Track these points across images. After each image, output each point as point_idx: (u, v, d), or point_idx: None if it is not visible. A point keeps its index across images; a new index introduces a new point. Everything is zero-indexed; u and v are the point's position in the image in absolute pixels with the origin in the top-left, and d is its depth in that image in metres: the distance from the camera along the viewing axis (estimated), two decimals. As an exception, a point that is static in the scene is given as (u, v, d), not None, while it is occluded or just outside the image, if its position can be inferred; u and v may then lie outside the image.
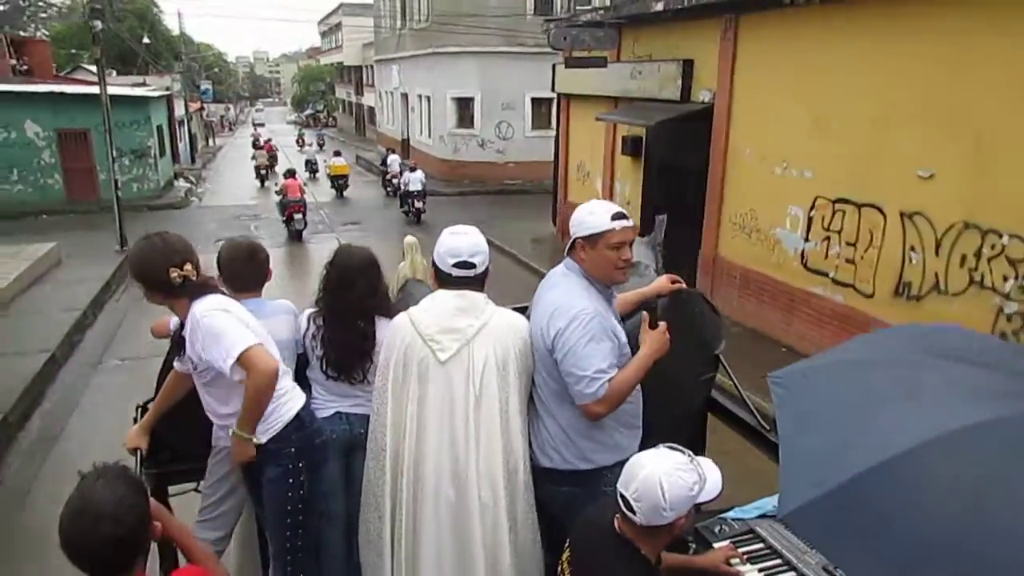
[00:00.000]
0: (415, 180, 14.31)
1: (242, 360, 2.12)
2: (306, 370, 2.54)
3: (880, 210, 5.97)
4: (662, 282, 2.55)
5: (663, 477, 1.57)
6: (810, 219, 6.63)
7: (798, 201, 6.90)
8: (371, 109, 34.92)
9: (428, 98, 20.68)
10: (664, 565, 1.82)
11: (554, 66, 11.75)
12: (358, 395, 2.53)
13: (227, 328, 2.15)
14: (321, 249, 10.94)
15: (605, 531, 1.71)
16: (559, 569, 1.80)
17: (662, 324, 2.16)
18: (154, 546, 1.67)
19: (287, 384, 2.26)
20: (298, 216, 12.51)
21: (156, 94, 19.51)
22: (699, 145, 8.06)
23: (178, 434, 2.60)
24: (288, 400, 2.26)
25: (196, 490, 2.74)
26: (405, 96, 24.18)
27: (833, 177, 6.31)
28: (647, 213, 9.58)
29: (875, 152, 5.88)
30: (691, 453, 1.61)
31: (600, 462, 2.09)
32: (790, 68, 6.73)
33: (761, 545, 2.09)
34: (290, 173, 13.40)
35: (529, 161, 19.12)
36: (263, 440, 2.22)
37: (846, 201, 6.37)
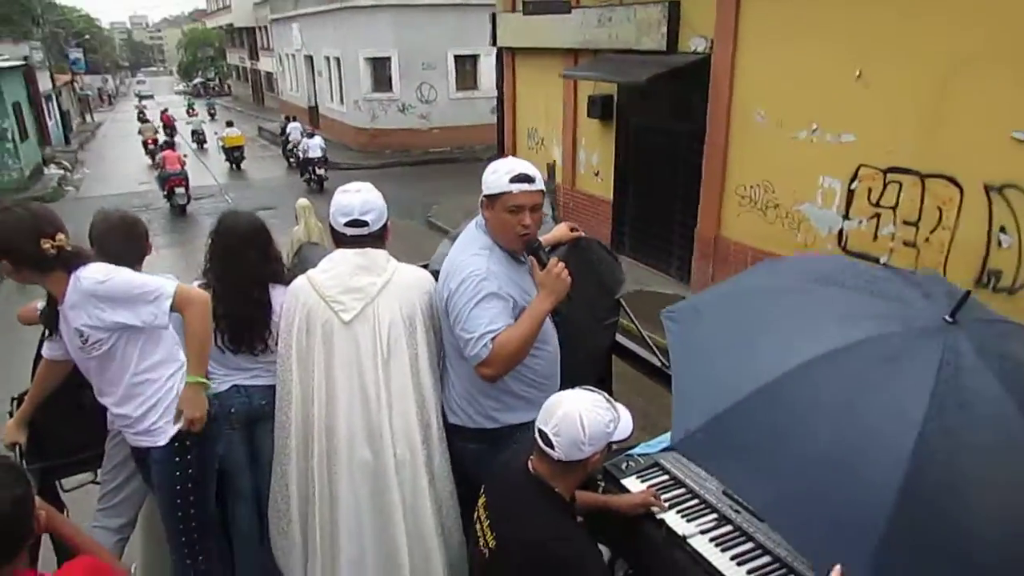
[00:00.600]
0: (314, 146, 14.02)
1: (178, 300, 2.01)
2: None
3: (954, 182, 5.00)
4: (561, 230, 2.44)
5: (583, 412, 1.59)
6: (851, 192, 5.65)
7: (833, 171, 5.81)
8: (269, 75, 32.92)
9: (337, 60, 19.22)
10: (579, 503, 1.85)
11: (494, 15, 10.42)
12: (255, 366, 2.42)
13: (142, 280, 2.03)
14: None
15: (519, 473, 1.72)
16: (475, 516, 1.80)
17: (552, 261, 2.05)
18: (48, 539, 1.66)
19: (177, 358, 2.09)
20: (180, 190, 12.15)
21: (8, 64, 16.86)
22: (691, 105, 6.94)
23: (65, 423, 2.42)
24: (176, 377, 2.13)
25: (94, 481, 2.54)
26: (310, 59, 22.42)
27: (884, 141, 5.23)
28: (620, 185, 8.69)
29: (946, 109, 4.81)
30: (606, 395, 1.64)
31: (506, 421, 1.98)
32: (821, 3, 5.50)
33: (666, 477, 2.14)
34: (167, 145, 12.55)
35: (456, 126, 18.08)
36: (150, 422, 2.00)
37: (904, 171, 5.33)
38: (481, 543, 1.82)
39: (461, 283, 2.01)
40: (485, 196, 2.06)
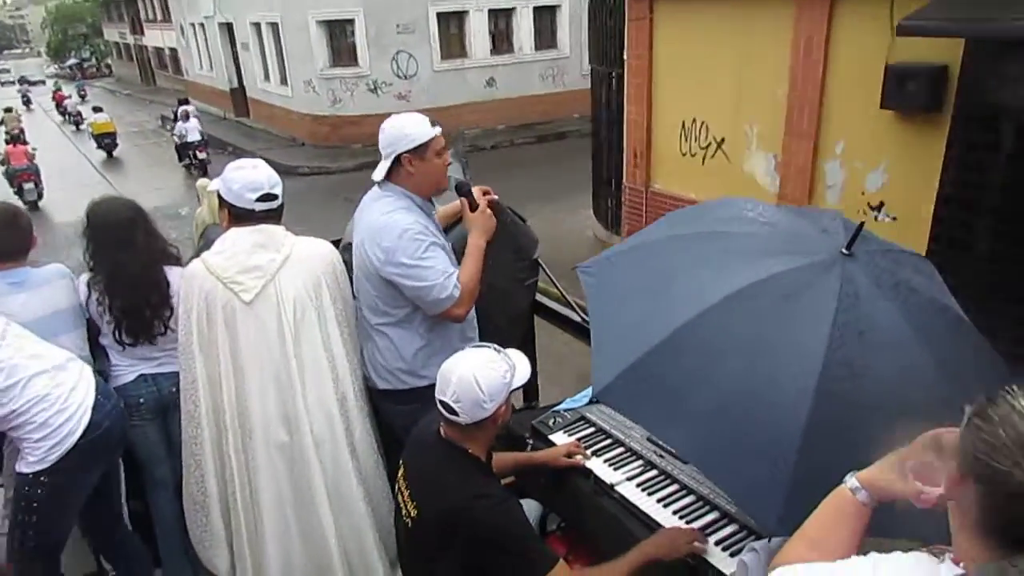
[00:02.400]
0: (191, 129, 14.04)
1: None
2: (99, 337, 2.58)
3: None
4: (475, 192, 2.50)
5: (476, 371, 1.77)
6: None
7: None
8: (160, 52, 31.66)
9: (274, 27, 16.57)
10: (500, 465, 2.12)
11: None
12: (160, 354, 2.59)
13: None
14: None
15: (432, 440, 1.90)
16: (396, 488, 2.00)
17: (481, 204, 2.40)
18: None
19: (73, 365, 2.31)
20: (28, 186, 12.39)
21: None
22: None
23: None
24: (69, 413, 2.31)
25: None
26: (228, 27, 19.78)
27: None
28: (954, 235, 4.86)
29: None
30: (496, 346, 1.86)
31: (434, 376, 2.01)
32: None
33: (592, 429, 2.38)
34: (13, 139, 13.57)
35: (445, 107, 15.27)
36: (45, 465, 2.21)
37: None
38: (403, 513, 1.97)
39: (400, 238, 2.22)
40: (409, 151, 2.28)
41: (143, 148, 18.49)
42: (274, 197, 2.29)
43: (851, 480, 1.22)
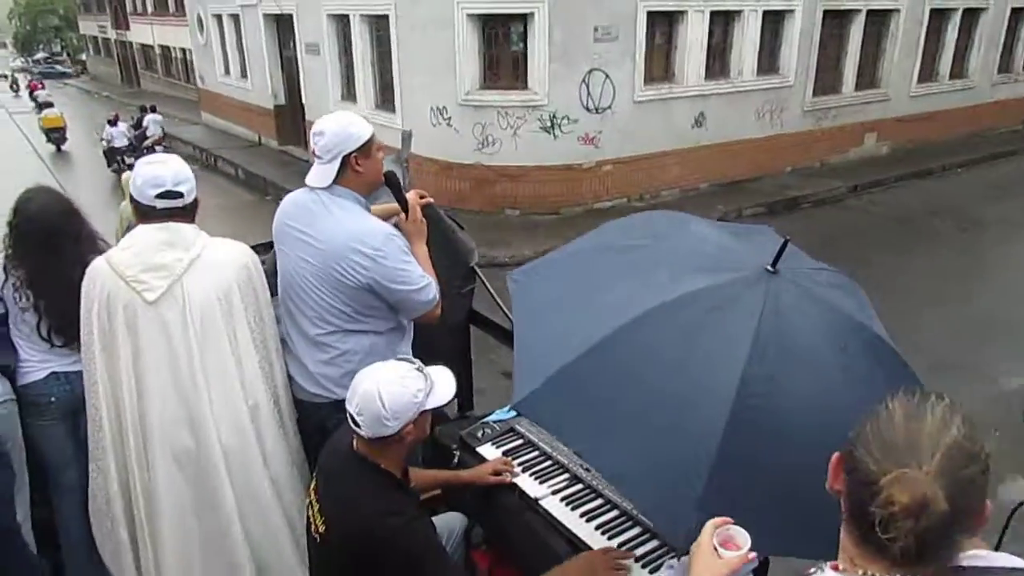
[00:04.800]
0: (118, 135, 15.45)
1: None
2: (6, 324, 2.78)
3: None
4: (411, 197, 2.77)
5: (381, 387, 1.90)
6: None
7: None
8: (148, 50, 28.74)
9: (379, 21, 12.35)
10: (423, 482, 2.35)
11: None
12: (76, 352, 2.63)
13: None
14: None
15: (345, 453, 2.04)
16: (307, 501, 2.14)
17: (414, 211, 2.63)
18: None
19: None
20: None
21: None
22: None
23: None
24: None
25: None
26: (282, 21, 15.63)
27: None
28: None
29: None
30: (418, 363, 2.03)
31: None
32: None
33: (521, 441, 2.61)
34: None
35: (640, 156, 11.49)
36: None
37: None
38: (312, 528, 2.08)
39: (386, 243, 2.41)
40: (357, 151, 2.43)
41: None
42: (178, 195, 2.37)
43: None
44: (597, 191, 11.73)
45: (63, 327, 2.62)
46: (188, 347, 2.30)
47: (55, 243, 2.63)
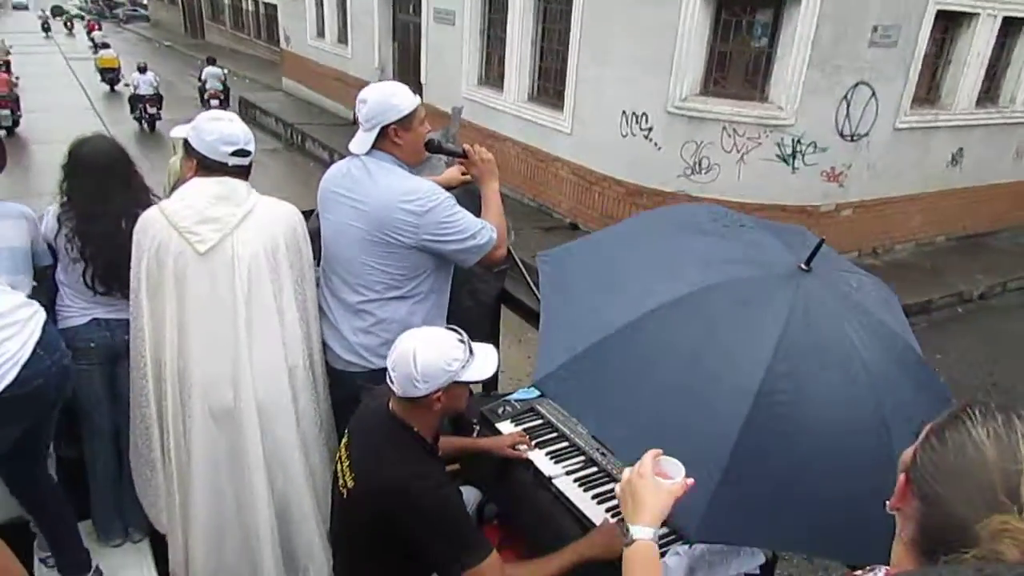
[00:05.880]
0: (144, 83, 15.94)
1: None
2: (54, 273, 2.97)
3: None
4: (452, 172, 2.99)
5: (418, 347, 1.99)
6: None
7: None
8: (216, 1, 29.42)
9: None
10: (444, 448, 2.36)
11: None
12: (118, 299, 2.85)
13: None
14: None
15: (379, 412, 2.15)
16: (338, 456, 2.25)
17: (481, 151, 2.73)
18: None
19: (19, 313, 2.40)
20: (4, 112, 14.99)
21: None
22: None
23: None
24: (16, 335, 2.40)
25: None
26: None
27: None
28: None
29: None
30: (463, 334, 2.11)
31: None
32: None
33: (540, 421, 2.72)
34: None
35: (887, 200, 9.47)
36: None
37: None
38: (340, 483, 2.17)
39: (434, 199, 2.50)
40: (396, 123, 2.53)
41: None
42: (248, 153, 2.54)
43: (641, 532, 1.42)
44: (831, 244, 8.73)
45: (107, 276, 2.75)
46: (234, 303, 2.39)
47: (106, 189, 2.76)
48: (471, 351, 2.05)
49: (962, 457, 0.97)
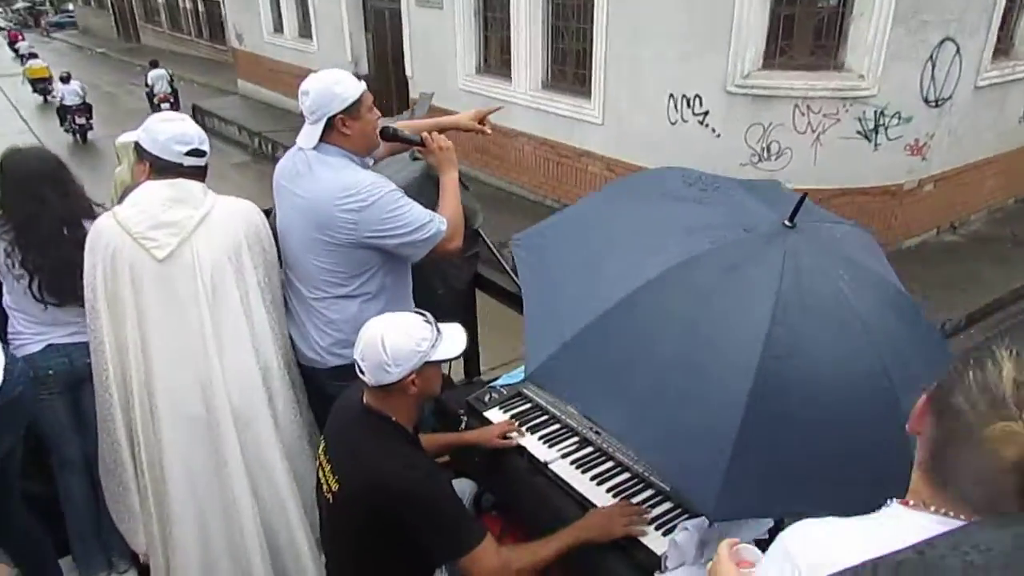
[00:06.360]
0: (70, 92, 15.66)
1: None
2: (1, 300, 3.07)
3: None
4: (467, 116, 3.20)
5: (386, 332, 2.02)
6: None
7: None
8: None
9: None
10: (431, 446, 2.46)
11: None
12: (75, 320, 2.82)
13: None
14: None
15: (354, 409, 2.19)
16: (318, 463, 2.30)
17: (439, 139, 2.72)
18: None
19: None
20: None
21: None
22: None
23: None
24: None
25: None
26: None
27: None
28: None
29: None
30: (427, 315, 2.17)
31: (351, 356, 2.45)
32: None
33: (529, 405, 2.75)
34: None
35: (963, 167, 8.33)
36: None
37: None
38: (325, 488, 2.18)
39: (371, 193, 2.45)
40: (343, 112, 2.52)
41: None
42: (203, 153, 2.58)
43: None
44: (908, 223, 8.77)
45: (55, 284, 2.75)
46: (199, 308, 2.40)
47: (41, 193, 2.73)
48: (438, 330, 2.10)
49: (980, 370, 1.04)
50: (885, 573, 0.78)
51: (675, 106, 8.43)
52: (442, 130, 2.81)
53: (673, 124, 8.50)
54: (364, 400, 2.11)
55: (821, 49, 7.96)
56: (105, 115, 17.75)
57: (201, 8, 25.73)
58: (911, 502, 1.13)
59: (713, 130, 8.21)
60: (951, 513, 1.06)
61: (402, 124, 2.96)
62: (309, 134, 2.51)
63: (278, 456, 2.50)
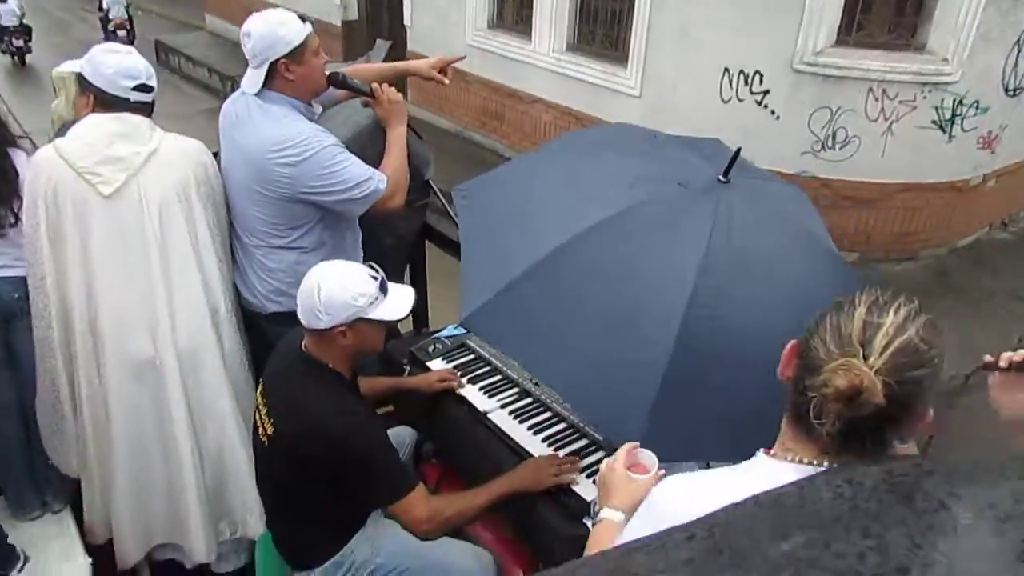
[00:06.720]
0: (7, 12, 14.82)
1: None
2: None
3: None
4: (429, 62, 3.17)
5: (323, 279, 2.08)
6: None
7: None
8: None
9: None
10: (371, 389, 2.57)
11: None
12: (3, 253, 2.74)
13: None
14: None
15: (292, 352, 2.28)
16: (255, 405, 2.37)
17: (389, 91, 2.63)
18: None
19: None
20: None
21: None
22: None
23: None
24: None
25: None
26: None
27: None
28: None
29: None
30: (376, 270, 2.20)
31: (291, 306, 2.58)
32: None
33: (472, 356, 2.89)
34: None
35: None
36: None
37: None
38: (260, 431, 2.26)
39: (306, 149, 2.44)
40: (286, 57, 2.48)
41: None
42: (151, 88, 2.57)
43: (608, 513, 1.51)
44: (969, 221, 8.44)
45: None
46: (146, 247, 2.41)
47: None
48: (384, 290, 2.13)
49: (838, 313, 1.11)
50: (767, 502, 0.75)
51: (730, 82, 7.60)
52: (399, 76, 2.83)
53: (726, 102, 7.74)
54: (303, 345, 2.19)
55: (902, 27, 7.17)
56: (56, 44, 16.89)
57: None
58: (773, 451, 1.22)
59: (772, 112, 7.47)
60: (807, 460, 1.14)
61: (355, 69, 2.91)
62: (252, 78, 2.50)
63: (227, 398, 2.56)
